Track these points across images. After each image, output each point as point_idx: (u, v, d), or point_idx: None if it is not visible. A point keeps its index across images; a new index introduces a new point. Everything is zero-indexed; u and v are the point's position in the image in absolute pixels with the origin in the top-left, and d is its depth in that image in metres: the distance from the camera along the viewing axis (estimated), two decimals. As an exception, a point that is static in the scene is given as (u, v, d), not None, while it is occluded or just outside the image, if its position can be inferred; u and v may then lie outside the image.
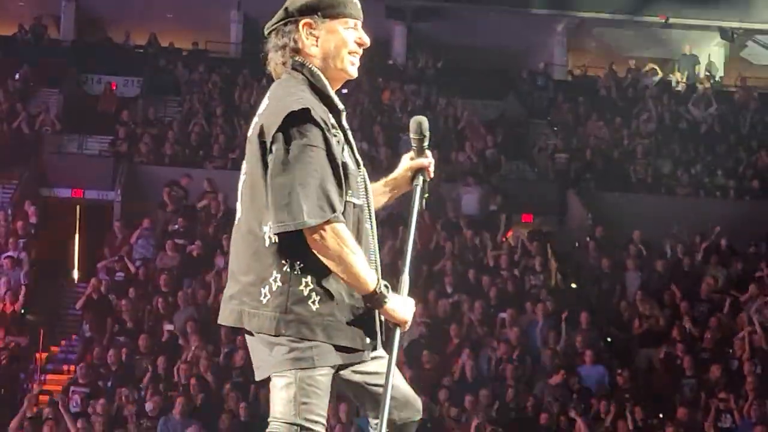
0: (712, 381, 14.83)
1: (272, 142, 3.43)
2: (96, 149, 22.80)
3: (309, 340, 3.44)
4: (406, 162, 3.90)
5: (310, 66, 3.59)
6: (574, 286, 19.13)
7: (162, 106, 24.56)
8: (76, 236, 20.89)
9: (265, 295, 3.49)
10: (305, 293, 3.46)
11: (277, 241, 3.46)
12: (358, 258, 3.42)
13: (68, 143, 23.00)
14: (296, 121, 3.40)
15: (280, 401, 3.48)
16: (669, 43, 27.85)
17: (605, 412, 14.08)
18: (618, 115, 24.58)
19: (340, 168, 3.47)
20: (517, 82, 26.80)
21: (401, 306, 3.54)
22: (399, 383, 3.74)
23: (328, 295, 3.47)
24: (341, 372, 3.66)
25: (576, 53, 28.30)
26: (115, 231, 18.65)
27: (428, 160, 3.86)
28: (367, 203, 3.64)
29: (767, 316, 16.04)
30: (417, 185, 3.83)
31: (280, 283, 3.47)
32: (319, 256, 3.41)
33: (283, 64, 3.61)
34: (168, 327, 15.73)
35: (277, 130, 3.41)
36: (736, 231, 19.68)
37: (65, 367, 16.42)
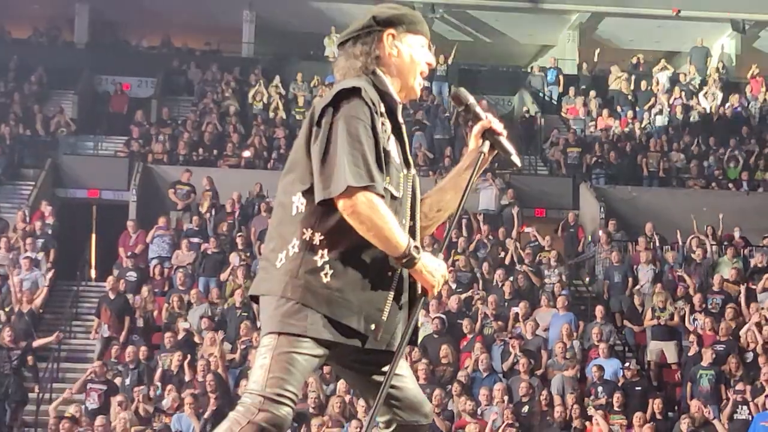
0: (728, 373, 14.85)
1: (321, 116, 3.48)
2: (111, 150, 22.97)
3: (310, 308, 3.44)
4: (472, 133, 3.83)
5: (376, 70, 3.65)
6: (587, 279, 19.22)
7: (176, 106, 24.78)
8: (93, 236, 21.05)
9: (281, 260, 3.51)
10: (319, 264, 3.46)
11: (302, 211, 3.50)
12: (389, 221, 3.42)
13: (83, 144, 23.18)
14: (346, 97, 3.47)
15: (254, 373, 3.47)
16: (680, 35, 27.84)
17: (620, 405, 14.13)
18: (629, 109, 24.62)
19: (382, 150, 3.49)
20: (528, 77, 26.86)
21: (431, 268, 3.51)
22: (410, 386, 3.75)
23: (342, 273, 3.46)
24: (359, 372, 3.69)
25: (587, 47, 28.32)
26: (130, 230, 18.80)
27: (485, 121, 3.77)
28: (410, 202, 3.64)
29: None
30: (481, 151, 3.74)
31: (297, 250, 3.49)
32: (351, 222, 3.41)
33: (362, 69, 3.64)
34: (184, 325, 15.86)
35: (327, 105, 3.48)
36: (749, 223, 19.71)
37: (83, 365, 16.54)
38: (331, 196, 3.41)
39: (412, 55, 3.70)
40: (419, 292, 3.61)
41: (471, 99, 3.79)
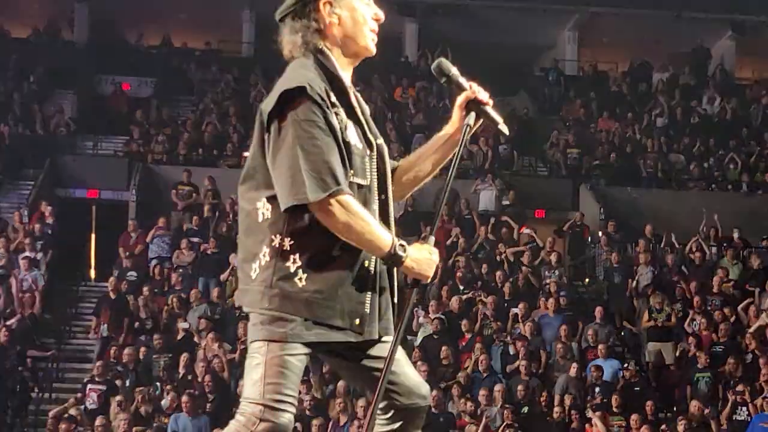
0: (727, 374, 14.85)
1: (269, 122, 3.37)
2: (111, 150, 22.96)
3: (289, 314, 3.39)
4: (456, 104, 3.71)
5: (322, 47, 3.52)
6: (587, 280, 19.22)
7: (175, 106, 24.74)
8: (92, 236, 21.03)
9: (255, 270, 3.45)
10: (292, 270, 3.40)
11: (269, 217, 3.43)
12: (368, 223, 3.36)
13: (83, 144, 23.17)
14: (292, 98, 3.35)
15: (249, 381, 3.44)
16: (681, 36, 27.81)
17: (618, 406, 14.13)
18: (629, 110, 24.61)
19: (342, 145, 3.39)
20: (528, 78, 26.83)
21: (421, 261, 3.44)
22: (405, 370, 3.67)
23: (316, 274, 3.40)
24: (348, 359, 3.63)
25: (587, 48, 28.30)
26: (129, 230, 18.80)
27: (469, 91, 3.65)
28: (378, 184, 3.55)
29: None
30: (467, 123, 3.64)
31: (268, 258, 3.42)
32: (332, 230, 3.35)
33: (303, 45, 3.52)
34: (183, 325, 15.85)
35: (273, 110, 3.37)
36: (748, 224, 19.70)
37: (83, 366, 16.55)
38: (291, 204, 3.33)
39: (354, 18, 3.55)
40: (399, 277, 3.56)
41: (453, 70, 3.68)
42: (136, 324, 16.15)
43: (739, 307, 16.50)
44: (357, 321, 3.47)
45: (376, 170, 3.55)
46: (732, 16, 27.49)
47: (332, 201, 3.32)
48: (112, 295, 16.47)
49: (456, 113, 3.72)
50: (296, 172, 3.31)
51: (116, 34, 27.70)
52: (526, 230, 19.41)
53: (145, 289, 16.73)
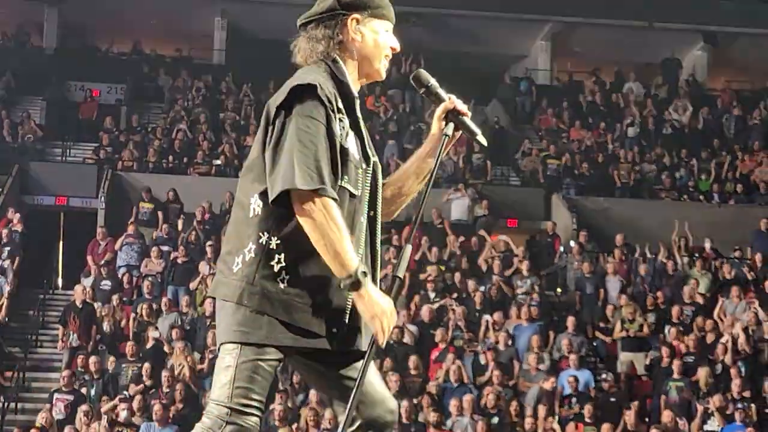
0: (699, 384, 14.85)
1: (275, 116, 3.42)
2: (80, 156, 22.76)
3: (267, 315, 3.37)
4: (435, 115, 3.75)
5: (336, 58, 3.59)
6: (559, 290, 19.19)
7: (145, 112, 24.58)
8: (60, 244, 20.81)
9: (237, 264, 3.44)
10: (275, 269, 3.39)
11: (259, 213, 3.43)
12: (342, 235, 3.32)
13: (52, 151, 22.96)
14: (300, 94, 3.40)
15: (218, 383, 3.43)
16: (653, 47, 27.92)
17: (591, 417, 14.09)
18: (601, 120, 24.66)
19: (338, 149, 3.41)
20: (500, 87, 26.83)
21: (374, 298, 3.36)
22: (373, 381, 3.63)
23: (299, 277, 3.40)
24: (320, 366, 3.56)
25: (560, 58, 28.35)
26: (98, 238, 18.60)
27: (447, 102, 3.68)
28: (370, 199, 3.56)
29: (751, 320, 16.08)
30: (446, 134, 3.65)
31: (253, 254, 3.42)
32: (304, 227, 3.34)
33: (322, 54, 3.59)
34: (153, 334, 15.67)
35: (281, 104, 3.42)
36: (719, 235, 19.74)
37: (49, 375, 16.35)
38: (279, 191, 3.32)
39: (376, 40, 3.64)
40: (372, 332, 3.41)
41: (432, 80, 3.72)
42: (104, 333, 15.95)
43: (710, 318, 16.52)
44: (334, 329, 3.44)
45: (369, 185, 3.56)
46: (703, 26, 27.63)
47: (315, 199, 3.31)
48: (80, 304, 16.24)
49: (435, 125, 3.74)
50: (290, 162, 3.32)
51: (86, 40, 27.52)
52: (501, 237, 19.35)
53: (114, 297, 16.55)
